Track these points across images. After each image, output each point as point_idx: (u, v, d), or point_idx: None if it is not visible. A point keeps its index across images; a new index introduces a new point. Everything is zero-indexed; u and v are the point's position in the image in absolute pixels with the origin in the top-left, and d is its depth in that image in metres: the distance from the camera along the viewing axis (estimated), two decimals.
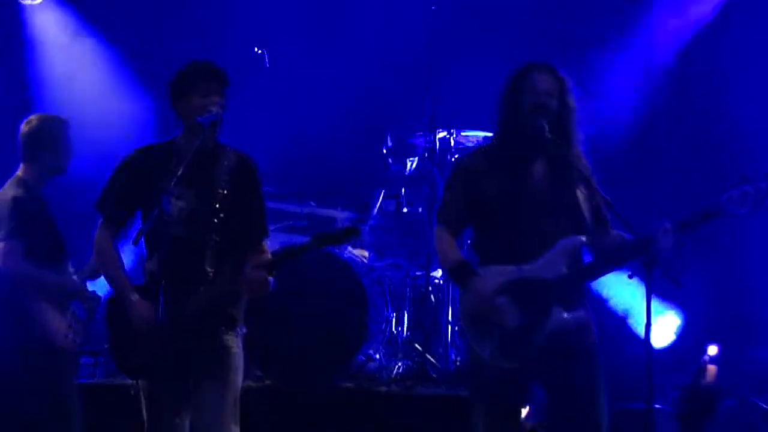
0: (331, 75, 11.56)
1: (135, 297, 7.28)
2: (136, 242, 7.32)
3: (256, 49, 10.91)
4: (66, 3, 13.47)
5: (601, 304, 9.42)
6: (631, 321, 9.44)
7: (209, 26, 12.50)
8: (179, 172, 7.28)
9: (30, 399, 8.56)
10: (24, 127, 8.66)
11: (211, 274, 7.38)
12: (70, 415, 8.47)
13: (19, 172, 8.56)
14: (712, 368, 7.95)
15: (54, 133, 8.62)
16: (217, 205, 7.37)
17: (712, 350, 8.23)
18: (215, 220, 7.35)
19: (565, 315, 7.02)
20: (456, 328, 9.85)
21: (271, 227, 7.87)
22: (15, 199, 8.44)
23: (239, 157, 7.50)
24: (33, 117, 8.78)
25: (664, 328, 9.70)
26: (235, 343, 7.41)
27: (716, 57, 12.01)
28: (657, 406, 8.40)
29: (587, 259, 7.32)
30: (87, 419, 9.03)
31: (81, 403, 8.58)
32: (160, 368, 7.32)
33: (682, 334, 10.21)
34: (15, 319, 8.49)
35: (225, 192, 7.39)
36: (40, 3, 13.42)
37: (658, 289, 7.02)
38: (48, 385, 8.49)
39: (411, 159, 10.75)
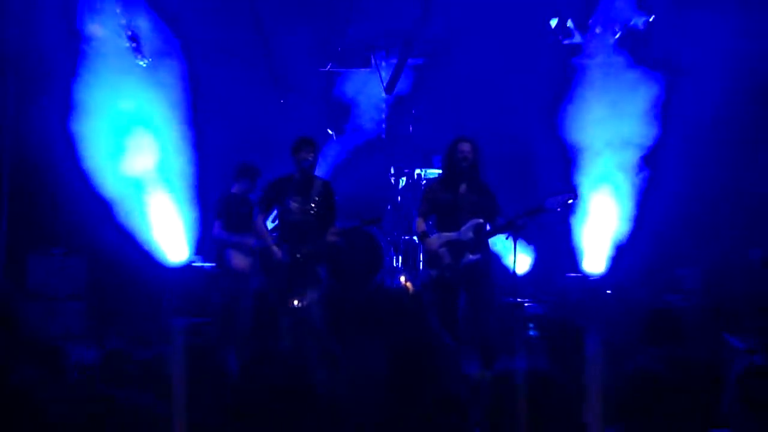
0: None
1: (275, 248, 7.58)
2: (273, 221, 8.00)
3: (329, 131, 10.73)
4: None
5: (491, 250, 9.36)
6: (506, 260, 9.22)
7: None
8: (294, 189, 7.61)
9: (222, 295, 8.72)
10: (238, 165, 8.83)
11: (309, 237, 7.54)
12: (245, 305, 8.50)
13: (234, 188, 8.75)
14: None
15: (254, 176, 8.77)
16: (313, 205, 7.60)
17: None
18: (312, 213, 7.60)
19: (471, 257, 7.30)
20: (421, 263, 9.66)
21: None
22: (221, 201, 8.69)
23: (324, 182, 7.76)
24: (245, 164, 8.84)
25: (522, 263, 9.53)
26: (322, 269, 7.64)
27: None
28: (520, 299, 8.68)
29: (486, 229, 7.40)
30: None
31: (252, 304, 8.57)
32: (286, 283, 7.56)
33: (533, 267, 10.09)
34: (220, 259, 8.74)
35: (317, 199, 7.61)
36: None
37: (518, 243, 7.46)
38: (233, 290, 8.59)
39: (403, 174, 10.48)
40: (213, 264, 9.20)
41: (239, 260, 8.56)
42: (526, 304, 9.13)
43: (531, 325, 8.45)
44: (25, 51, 9.90)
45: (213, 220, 8.71)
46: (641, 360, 3.67)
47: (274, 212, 7.98)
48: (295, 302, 7.50)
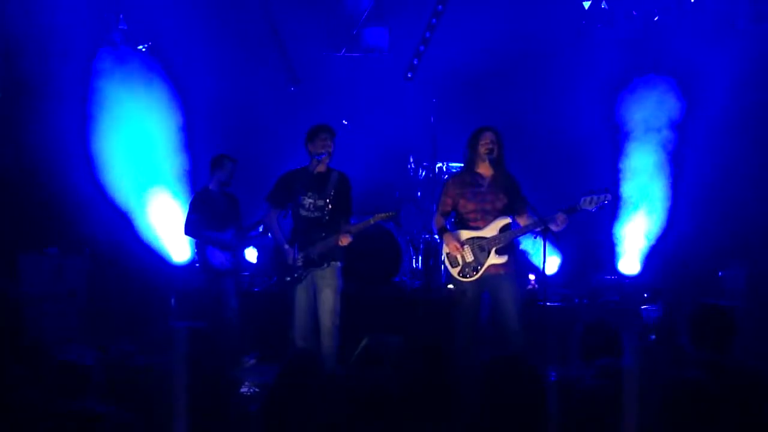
0: (379, 132, 11.07)
1: (286, 246, 7.55)
2: (285, 217, 7.77)
3: (344, 122, 10.63)
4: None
5: (521, 251, 9.27)
6: (535, 260, 9.35)
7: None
8: (308, 183, 7.56)
9: (203, 294, 8.83)
10: (212, 160, 8.89)
11: (323, 235, 7.52)
12: (228, 304, 8.60)
13: (211, 184, 8.80)
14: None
15: (224, 164, 8.77)
16: (328, 200, 7.55)
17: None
18: (326, 208, 7.57)
19: (497, 257, 7.25)
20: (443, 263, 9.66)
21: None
22: (196, 197, 8.79)
23: (340, 174, 7.69)
24: (217, 155, 8.92)
25: (552, 264, 9.54)
26: (337, 269, 7.59)
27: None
28: (548, 303, 8.45)
29: (512, 228, 7.32)
30: (253, 312, 9.19)
31: (236, 299, 8.68)
32: (298, 282, 7.52)
33: (560, 268, 10.02)
34: (199, 255, 8.79)
35: (332, 193, 7.58)
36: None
37: (548, 244, 7.14)
38: (213, 288, 8.69)
39: (422, 168, 10.52)
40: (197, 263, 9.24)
41: (216, 257, 8.65)
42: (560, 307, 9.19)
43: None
44: (14, 49, 10.08)
45: (188, 215, 8.77)
46: (684, 368, 3.61)
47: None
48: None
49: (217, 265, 8.64)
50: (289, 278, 7.57)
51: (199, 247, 8.80)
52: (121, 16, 10.12)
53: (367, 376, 3.72)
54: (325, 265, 7.56)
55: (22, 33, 10.00)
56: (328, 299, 7.54)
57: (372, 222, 7.69)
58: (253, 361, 8.66)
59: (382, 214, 7.84)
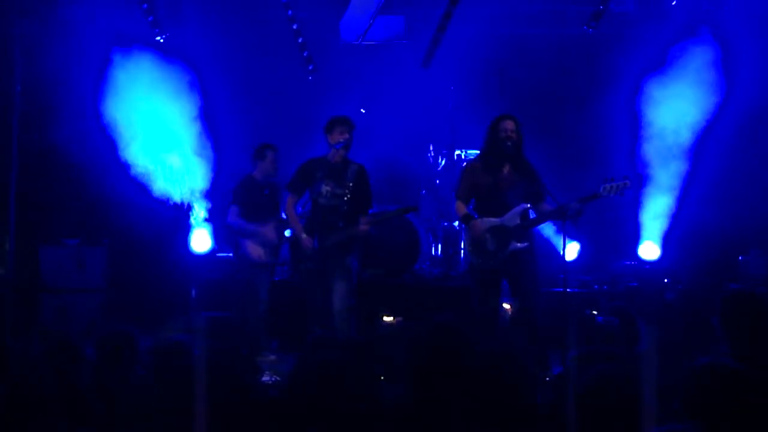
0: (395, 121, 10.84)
1: (304, 235, 7.68)
2: (303, 207, 8.01)
3: (361, 110, 10.42)
4: None
5: (541, 238, 9.10)
6: (554, 245, 9.27)
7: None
8: (327, 172, 7.68)
9: (238, 285, 8.76)
10: (256, 147, 8.72)
11: (340, 224, 7.65)
12: (259, 296, 8.48)
13: (254, 172, 8.65)
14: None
15: (265, 154, 8.61)
16: (346, 190, 7.65)
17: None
18: (345, 198, 7.66)
19: (518, 244, 7.25)
20: (463, 250, 9.50)
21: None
22: (240, 184, 8.64)
23: (359, 167, 7.79)
24: (259, 145, 8.76)
25: (571, 250, 9.24)
26: (352, 258, 7.71)
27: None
28: (569, 290, 8.00)
29: (532, 216, 7.38)
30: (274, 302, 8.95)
31: (267, 291, 8.56)
32: (316, 270, 7.69)
33: (580, 254, 9.82)
34: (234, 247, 8.73)
35: (350, 184, 7.67)
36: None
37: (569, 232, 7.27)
38: (247, 280, 8.56)
39: (441, 156, 10.33)
40: (230, 254, 9.20)
41: (254, 250, 8.53)
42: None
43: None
44: (34, 44, 10.17)
45: (228, 205, 8.70)
46: (710, 355, 3.57)
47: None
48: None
49: (255, 258, 8.50)
50: (306, 267, 7.71)
51: (234, 240, 8.70)
52: (145, 6, 10.06)
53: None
54: (342, 254, 7.65)
55: (39, 30, 10.12)
56: (342, 287, 7.65)
57: (392, 215, 7.85)
58: (273, 357, 8.61)
59: (403, 209, 7.98)
